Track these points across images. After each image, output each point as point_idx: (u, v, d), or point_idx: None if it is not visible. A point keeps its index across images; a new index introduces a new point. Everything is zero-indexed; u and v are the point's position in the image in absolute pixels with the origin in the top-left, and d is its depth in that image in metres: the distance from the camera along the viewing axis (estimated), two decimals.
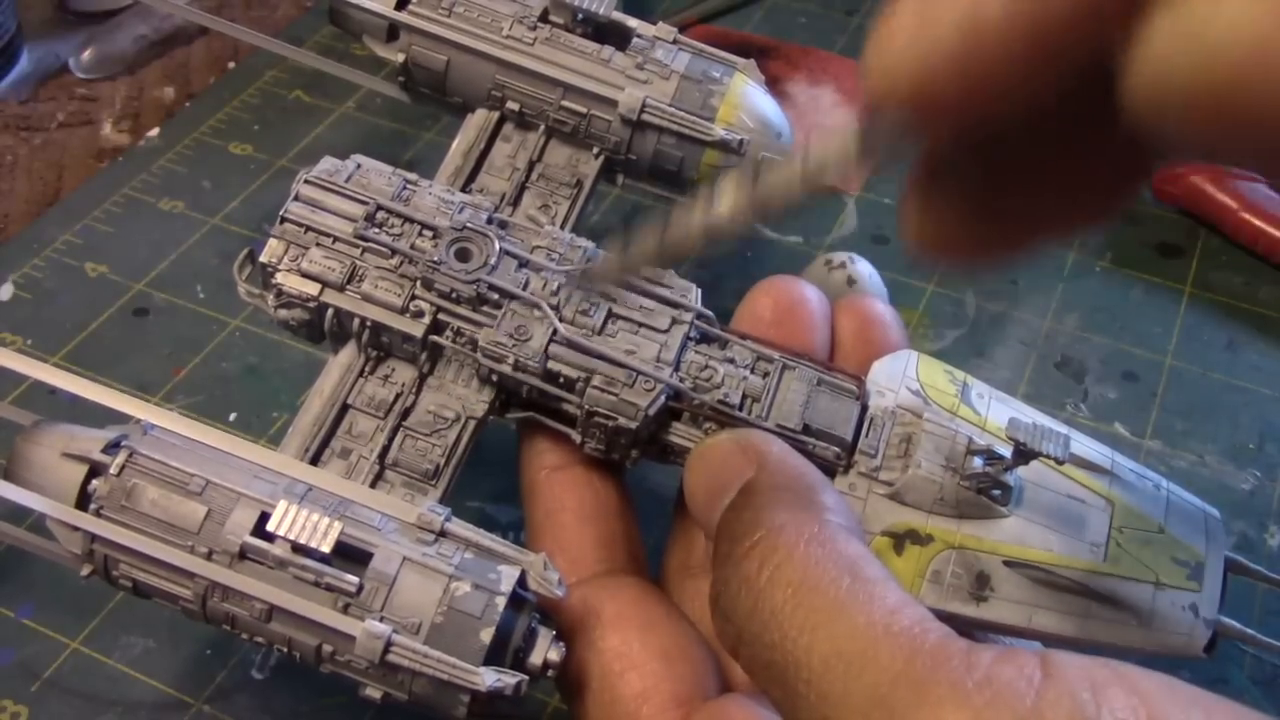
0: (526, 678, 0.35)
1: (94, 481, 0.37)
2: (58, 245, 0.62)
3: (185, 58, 0.74)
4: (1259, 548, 0.51)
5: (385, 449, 0.40)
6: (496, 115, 0.49)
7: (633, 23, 0.49)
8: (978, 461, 0.39)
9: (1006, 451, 0.38)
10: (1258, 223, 0.63)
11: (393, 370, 0.42)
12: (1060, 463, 0.36)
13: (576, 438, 0.41)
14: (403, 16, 0.49)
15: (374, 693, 0.36)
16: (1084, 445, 0.41)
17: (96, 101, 0.71)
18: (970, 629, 0.38)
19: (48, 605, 0.48)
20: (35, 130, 0.69)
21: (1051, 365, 0.59)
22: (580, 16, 0.48)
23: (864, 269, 0.55)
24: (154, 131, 0.69)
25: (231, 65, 0.74)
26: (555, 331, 0.40)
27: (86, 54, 0.73)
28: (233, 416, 0.55)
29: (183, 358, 0.57)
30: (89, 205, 0.65)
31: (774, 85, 0.61)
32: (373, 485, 0.40)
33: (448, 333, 0.41)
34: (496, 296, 0.40)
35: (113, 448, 0.37)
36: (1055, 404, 0.57)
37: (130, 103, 0.71)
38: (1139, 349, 0.59)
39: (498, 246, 0.41)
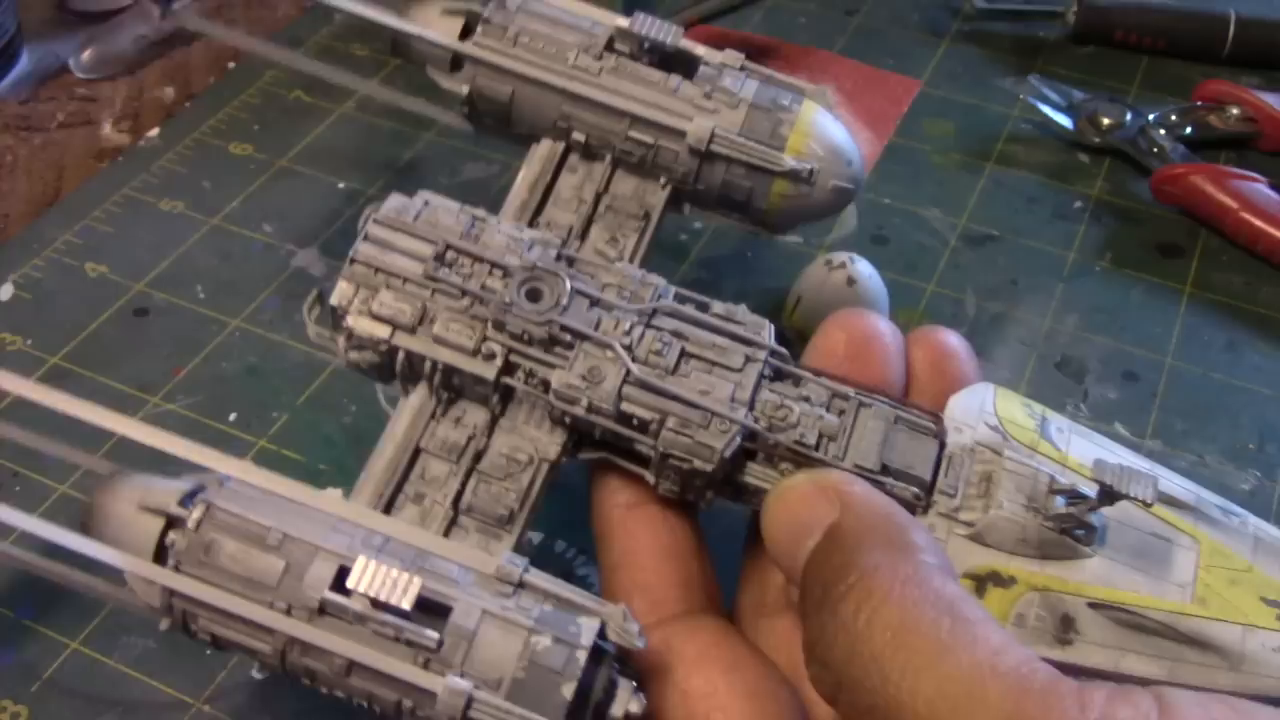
0: None
1: (171, 534, 0.36)
2: (58, 245, 0.62)
3: (185, 58, 0.74)
4: None
5: (459, 494, 0.40)
6: (562, 146, 0.48)
7: (700, 50, 0.48)
8: (1060, 501, 0.38)
9: (1091, 491, 0.37)
10: (1258, 223, 0.63)
11: (464, 412, 0.41)
12: (1148, 505, 0.36)
13: (650, 478, 0.40)
14: (467, 48, 0.48)
15: None
16: (1169, 481, 0.40)
17: (96, 101, 0.71)
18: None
19: (48, 605, 0.48)
20: (35, 130, 0.69)
21: (1051, 365, 0.59)
22: (646, 45, 0.47)
23: (864, 269, 0.55)
24: (154, 131, 0.69)
25: (231, 65, 0.74)
26: (628, 372, 0.39)
27: (86, 54, 0.72)
28: (233, 416, 0.55)
29: (183, 358, 0.57)
30: (89, 205, 0.64)
31: None
32: (447, 532, 0.39)
33: (519, 374, 0.40)
34: (569, 337, 0.40)
35: (189, 499, 0.37)
36: (1055, 404, 0.56)
37: (130, 103, 0.71)
38: (1139, 349, 0.59)
39: (569, 286, 0.40)
